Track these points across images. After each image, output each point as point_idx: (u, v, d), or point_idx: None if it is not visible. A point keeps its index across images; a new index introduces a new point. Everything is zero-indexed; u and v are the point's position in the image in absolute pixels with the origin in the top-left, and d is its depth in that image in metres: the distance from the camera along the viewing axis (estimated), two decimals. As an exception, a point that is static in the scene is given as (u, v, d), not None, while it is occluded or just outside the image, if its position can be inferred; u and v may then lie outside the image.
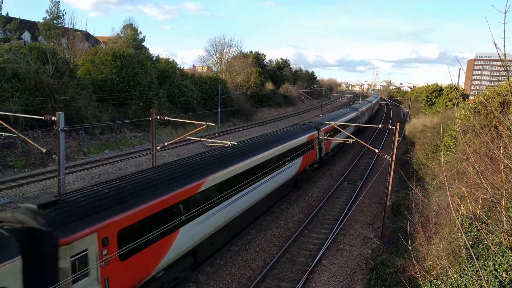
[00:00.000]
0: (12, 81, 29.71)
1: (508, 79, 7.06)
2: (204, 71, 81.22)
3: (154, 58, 56.01)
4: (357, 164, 35.72)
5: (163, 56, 72.96)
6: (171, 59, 56.43)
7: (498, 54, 6.76)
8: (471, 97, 59.75)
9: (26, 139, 16.41)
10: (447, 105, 46.02)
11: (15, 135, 16.12)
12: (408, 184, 18.38)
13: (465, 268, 8.86)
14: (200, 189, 13.52)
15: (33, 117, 18.19)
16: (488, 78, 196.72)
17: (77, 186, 22.96)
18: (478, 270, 7.95)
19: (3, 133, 16.21)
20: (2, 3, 32.77)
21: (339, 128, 27.01)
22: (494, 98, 20.20)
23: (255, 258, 16.61)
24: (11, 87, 29.39)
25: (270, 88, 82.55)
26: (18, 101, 28.79)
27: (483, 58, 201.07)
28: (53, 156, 14.65)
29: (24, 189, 22.21)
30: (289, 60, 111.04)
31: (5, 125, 15.72)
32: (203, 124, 18.83)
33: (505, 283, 8.14)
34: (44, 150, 15.34)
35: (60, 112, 14.06)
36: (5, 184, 22.79)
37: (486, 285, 7.10)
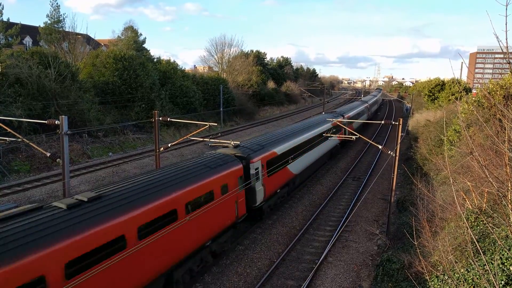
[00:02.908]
0: (15, 86, 29.85)
1: (511, 71, 7.03)
2: (205, 71, 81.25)
3: (155, 60, 56.06)
4: (361, 160, 35.64)
5: (164, 57, 73.06)
6: (172, 60, 56.57)
7: (500, 47, 6.72)
8: (474, 91, 59.45)
9: (30, 143, 16.48)
10: (450, 99, 45.77)
11: (19, 140, 16.19)
12: (412, 179, 18.33)
13: (472, 263, 8.82)
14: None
15: (36, 122, 18.27)
16: (490, 71, 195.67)
17: (82, 189, 23.05)
18: (485, 264, 7.92)
19: (7, 138, 16.28)
20: (3, 9, 32.85)
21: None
22: (497, 91, 20.09)
23: (261, 257, 16.62)
24: (14, 92, 29.53)
25: (272, 87, 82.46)
26: (21, 106, 28.92)
27: (485, 51, 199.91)
28: (57, 159, 14.72)
29: (30, 193, 22.33)
30: (290, 58, 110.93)
31: (9, 130, 15.80)
32: (206, 124, 18.85)
33: (513, 277, 8.10)
34: (48, 154, 15.41)
35: (63, 116, 14.12)
36: (11, 188, 22.92)
37: (493, 279, 7.08)
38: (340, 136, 32.08)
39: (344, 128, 34.07)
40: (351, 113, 41.37)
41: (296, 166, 23.55)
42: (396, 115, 77.26)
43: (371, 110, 60.56)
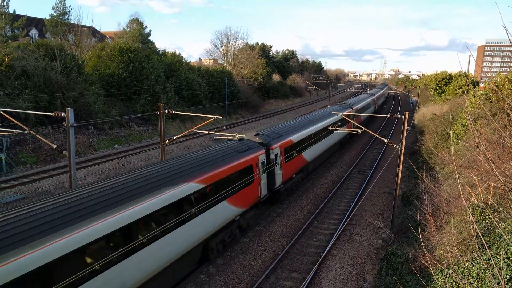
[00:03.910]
0: (22, 78, 30.02)
1: (519, 65, 6.94)
2: (210, 64, 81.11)
3: (160, 52, 56.00)
4: (366, 154, 35.54)
5: (169, 49, 72.91)
6: (177, 53, 56.40)
7: (509, 40, 6.63)
8: (481, 84, 58.85)
9: (37, 135, 16.63)
10: (456, 93, 45.35)
11: (26, 132, 16.33)
12: (417, 173, 18.24)
13: (477, 257, 8.80)
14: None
15: (43, 114, 18.41)
16: (499, 64, 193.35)
17: (88, 181, 23.23)
18: (490, 259, 7.90)
19: (14, 130, 16.43)
20: (9, 1, 32.93)
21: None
22: (505, 84, 19.87)
23: (266, 249, 16.70)
24: (21, 84, 29.70)
25: (277, 80, 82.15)
26: (28, 98, 29.10)
27: (494, 44, 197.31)
28: (64, 151, 14.83)
29: (36, 185, 22.55)
30: (295, 51, 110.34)
31: (16, 122, 15.94)
32: (211, 117, 18.87)
33: (518, 271, 8.07)
34: (54, 146, 15.54)
35: (69, 108, 14.19)
36: (18, 180, 23.15)
37: (498, 274, 7.07)
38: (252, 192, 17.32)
39: (262, 172, 18.03)
40: (296, 136, 22.95)
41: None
42: (402, 108, 76.79)
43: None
